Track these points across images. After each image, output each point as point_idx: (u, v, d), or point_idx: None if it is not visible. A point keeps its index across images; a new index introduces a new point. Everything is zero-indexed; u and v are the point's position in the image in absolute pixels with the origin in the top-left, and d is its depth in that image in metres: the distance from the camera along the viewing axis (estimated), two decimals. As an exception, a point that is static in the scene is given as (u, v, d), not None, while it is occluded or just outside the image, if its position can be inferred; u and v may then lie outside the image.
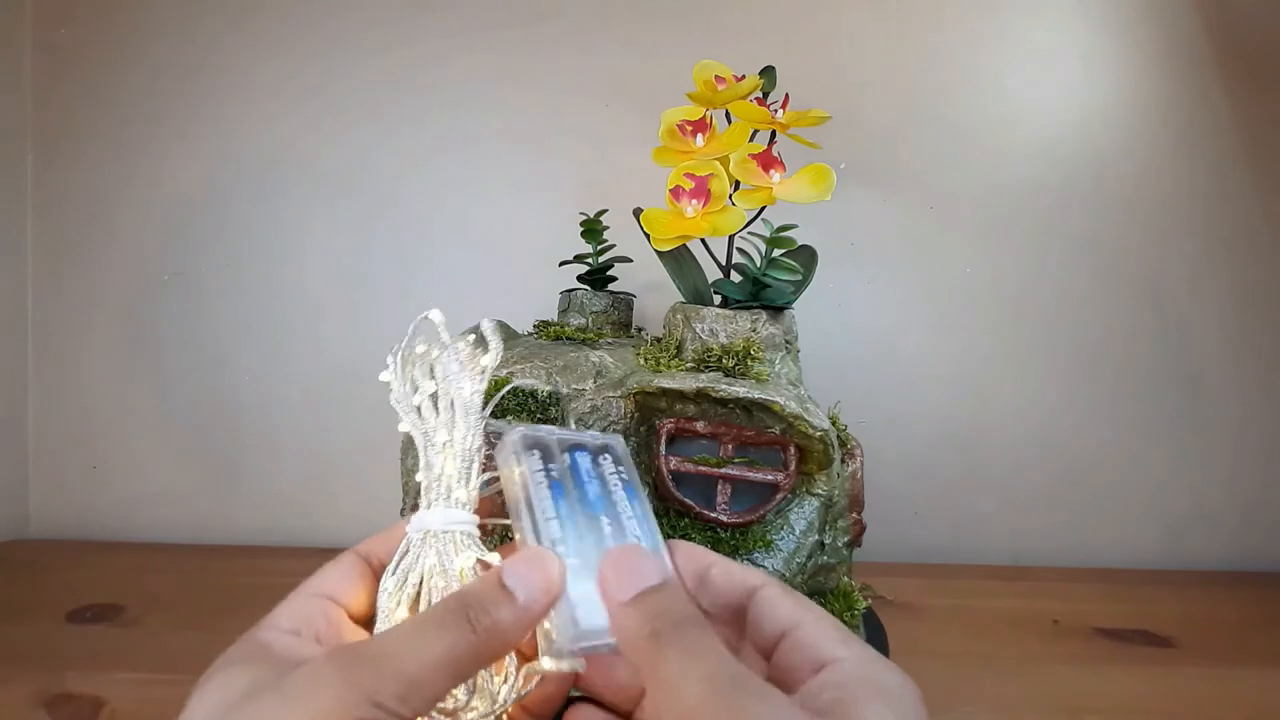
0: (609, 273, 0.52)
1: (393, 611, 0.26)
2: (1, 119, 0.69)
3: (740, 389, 0.38)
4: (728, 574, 0.26)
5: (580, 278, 0.52)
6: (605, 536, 0.27)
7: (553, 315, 0.52)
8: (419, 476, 0.29)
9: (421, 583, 0.26)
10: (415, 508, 0.41)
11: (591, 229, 0.50)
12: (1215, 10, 0.66)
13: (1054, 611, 0.57)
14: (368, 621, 0.27)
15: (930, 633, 0.53)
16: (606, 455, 0.30)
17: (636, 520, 0.27)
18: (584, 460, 0.29)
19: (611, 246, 0.51)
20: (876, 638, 0.48)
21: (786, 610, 0.24)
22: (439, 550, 0.27)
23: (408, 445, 0.44)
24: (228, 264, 0.71)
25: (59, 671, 0.45)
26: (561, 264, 0.52)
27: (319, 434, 0.71)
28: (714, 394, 0.39)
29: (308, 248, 0.70)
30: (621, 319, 0.51)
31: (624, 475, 0.29)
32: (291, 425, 0.71)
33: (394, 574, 0.27)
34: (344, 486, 0.71)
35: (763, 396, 0.38)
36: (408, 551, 0.27)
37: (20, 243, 0.71)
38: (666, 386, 0.39)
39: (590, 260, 0.51)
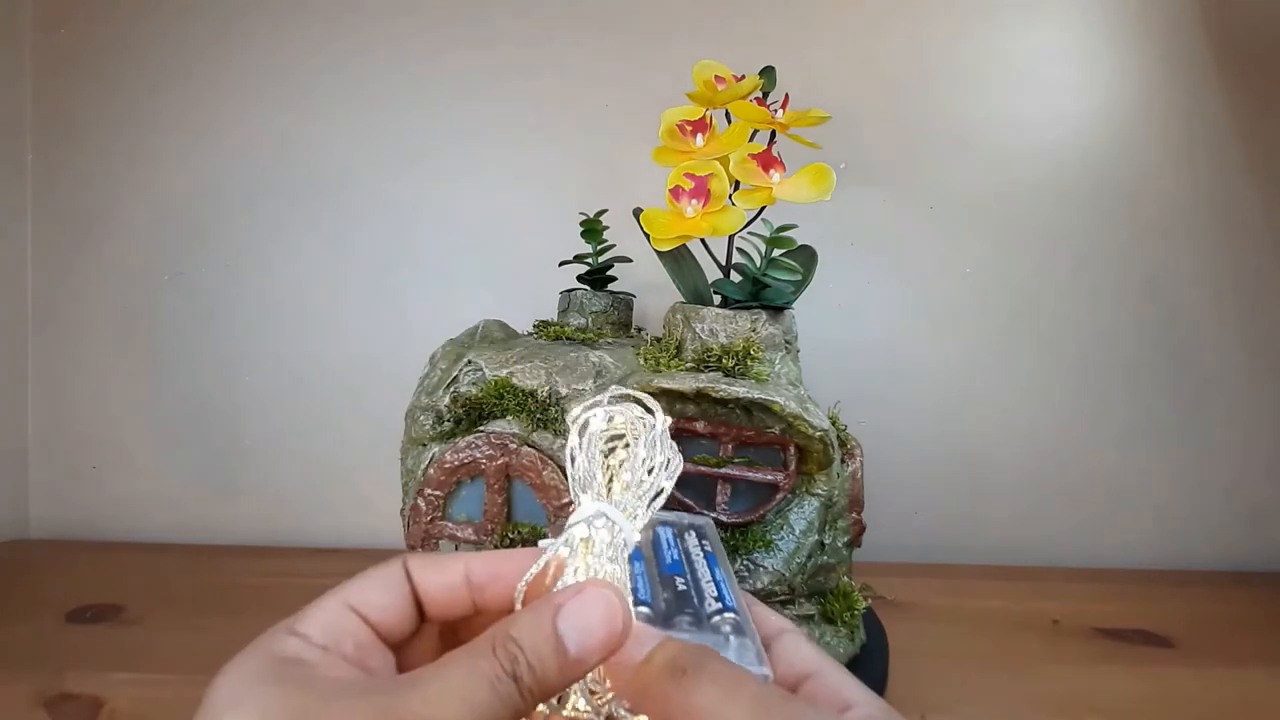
0: (609, 273, 0.52)
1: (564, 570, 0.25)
2: (1, 119, 0.69)
3: (740, 389, 0.38)
4: (763, 615, 0.27)
5: (580, 278, 0.52)
6: (679, 593, 0.27)
7: (552, 315, 0.52)
8: (627, 477, 0.29)
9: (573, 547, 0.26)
10: (415, 508, 0.42)
11: (591, 229, 0.50)
12: (1216, 12, 0.66)
13: (1054, 611, 0.57)
14: (398, 643, 0.25)
15: (930, 633, 0.53)
16: (691, 532, 0.31)
17: (716, 584, 0.28)
18: (666, 533, 0.30)
19: (611, 246, 0.51)
20: (876, 638, 0.48)
21: (811, 654, 0.25)
22: (606, 541, 0.26)
23: (407, 446, 0.44)
24: (227, 264, 0.71)
25: (59, 671, 0.45)
26: (561, 264, 0.52)
27: (319, 434, 0.71)
28: (714, 394, 0.39)
29: (308, 247, 0.70)
30: (621, 319, 0.51)
31: (706, 548, 0.30)
32: (291, 425, 0.71)
33: (575, 524, 0.26)
34: (343, 486, 0.71)
35: (762, 396, 0.38)
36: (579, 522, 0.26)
37: (20, 243, 0.71)
38: (666, 386, 0.39)
39: (590, 260, 0.51)
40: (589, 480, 0.29)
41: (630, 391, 0.31)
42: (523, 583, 0.24)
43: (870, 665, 0.45)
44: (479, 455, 0.41)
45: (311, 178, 0.70)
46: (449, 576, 0.25)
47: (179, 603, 0.56)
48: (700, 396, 0.39)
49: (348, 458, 0.70)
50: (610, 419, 0.30)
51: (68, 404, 0.72)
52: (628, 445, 0.30)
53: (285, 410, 0.71)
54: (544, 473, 0.40)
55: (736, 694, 0.20)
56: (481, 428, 0.42)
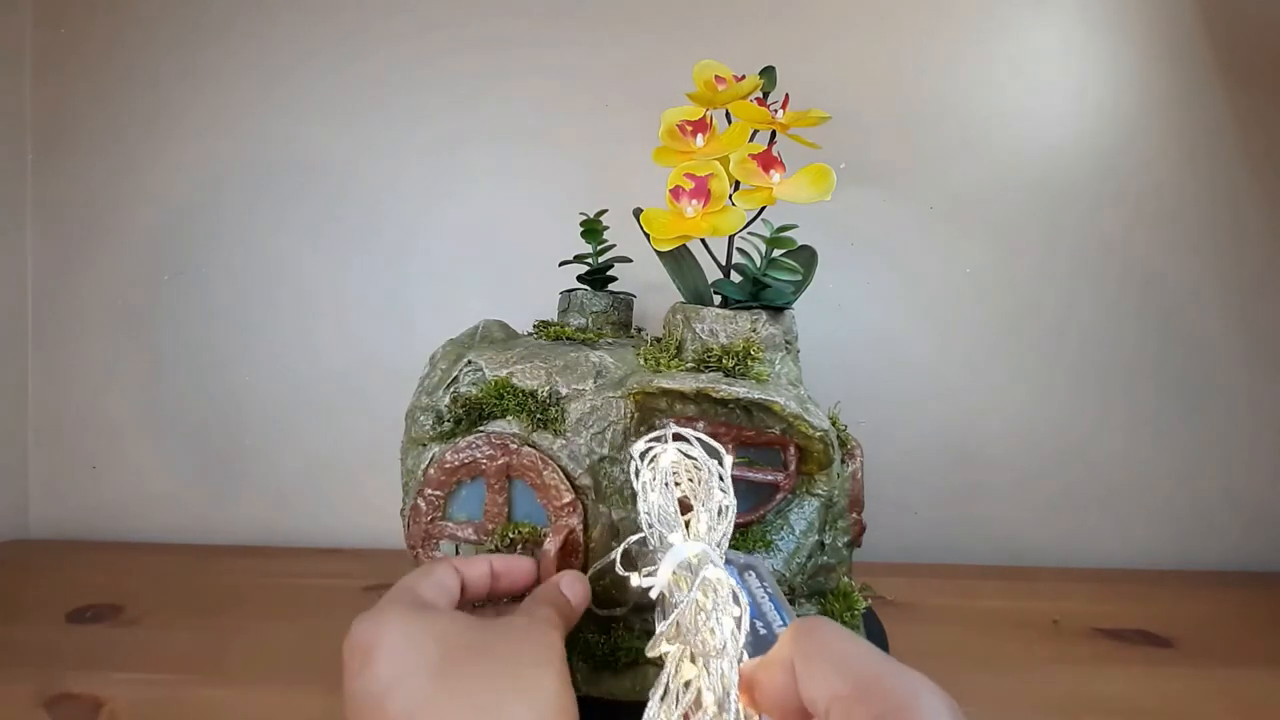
0: (609, 273, 0.52)
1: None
2: (1, 119, 0.69)
3: (740, 389, 0.38)
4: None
5: (580, 278, 0.52)
6: (760, 637, 0.29)
7: (552, 315, 0.52)
8: (706, 518, 0.32)
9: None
10: (415, 508, 0.42)
11: (591, 229, 0.50)
12: (1217, 11, 0.66)
13: (1054, 611, 0.57)
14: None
15: (930, 633, 0.53)
16: (751, 572, 0.33)
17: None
18: (731, 574, 0.31)
19: (612, 246, 0.51)
20: (876, 638, 0.48)
21: None
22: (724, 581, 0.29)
23: (407, 446, 0.44)
24: (227, 264, 0.71)
25: (59, 671, 0.45)
26: (562, 264, 0.52)
27: (318, 434, 0.71)
28: (714, 394, 0.38)
29: (307, 247, 0.70)
30: (621, 319, 0.51)
31: (769, 590, 0.32)
32: (291, 425, 0.71)
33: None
34: (343, 486, 0.71)
35: (763, 397, 0.38)
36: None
37: (20, 243, 0.71)
38: (666, 387, 0.39)
39: (590, 260, 0.51)
40: (669, 519, 0.30)
41: (685, 431, 0.33)
42: (667, 625, 0.28)
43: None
44: (479, 455, 0.41)
45: (313, 178, 0.70)
46: (480, 564, 0.36)
47: (179, 603, 0.56)
48: (701, 397, 0.39)
49: (348, 458, 0.71)
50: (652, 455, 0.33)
51: (68, 404, 0.72)
52: (678, 484, 0.32)
53: (285, 410, 0.71)
54: (544, 473, 0.40)
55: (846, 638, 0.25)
56: (481, 428, 0.42)
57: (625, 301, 0.51)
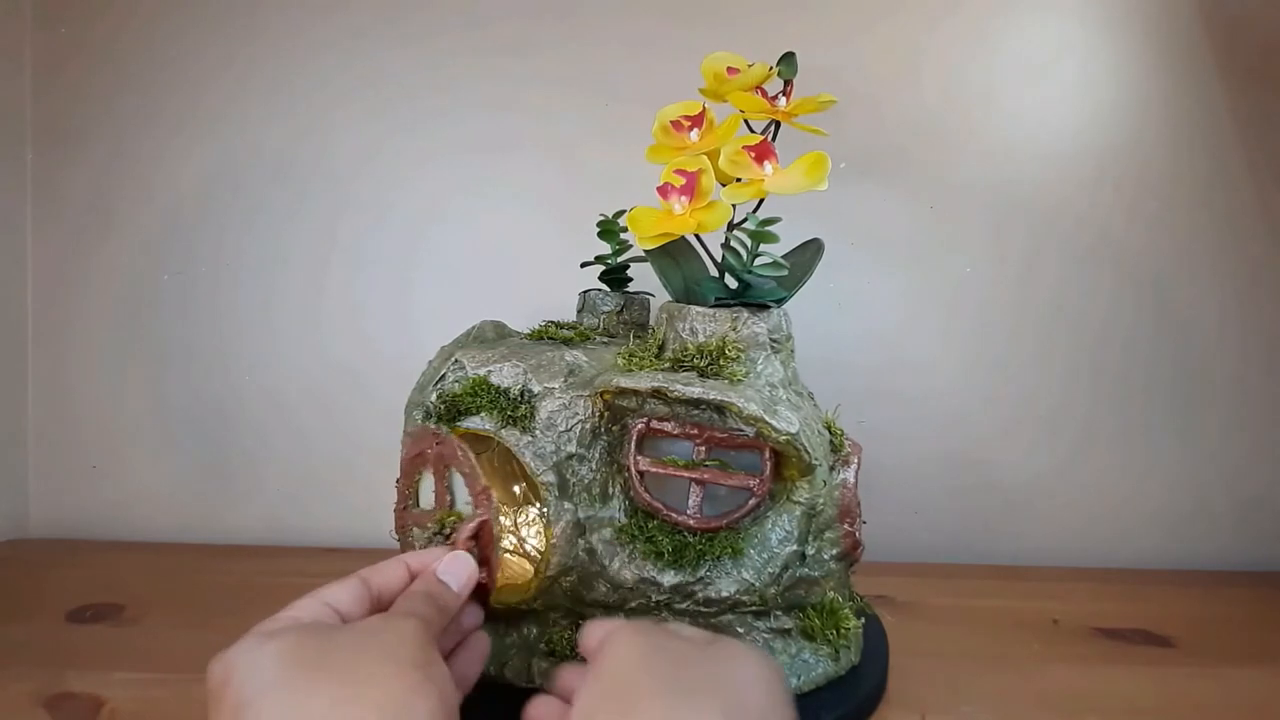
0: (626, 272, 0.52)
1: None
2: (1, 119, 0.69)
3: (695, 389, 0.37)
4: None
5: (600, 277, 0.52)
6: None
7: (559, 315, 0.52)
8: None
9: None
10: (404, 508, 0.42)
11: (608, 229, 0.50)
12: (1216, 9, 0.66)
13: (1054, 611, 0.57)
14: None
15: (930, 633, 0.53)
16: None
17: None
18: None
19: (630, 247, 0.51)
20: (877, 637, 0.48)
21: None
22: None
23: (403, 441, 0.45)
24: (227, 264, 0.71)
25: (59, 671, 0.45)
26: (583, 265, 0.52)
27: (319, 433, 0.71)
28: (669, 394, 0.38)
29: (307, 247, 0.70)
30: (635, 318, 0.51)
31: None
32: (291, 425, 0.71)
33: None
34: (344, 486, 0.71)
35: (719, 397, 0.37)
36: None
37: (20, 243, 0.71)
38: (625, 386, 0.39)
39: (609, 260, 0.51)
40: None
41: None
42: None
43: (870, 666, 0.45)
44: (424, 446, 0.42)
45: (311, 179, 0.70)
46: (392, 570, 0.36)
47: (179, 603, 0.56)
48: (666, 397, 0.38)
49: (349, 457, 0.70)
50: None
51: (68, 404, 0.72)
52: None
53: (286, 410, 0.71)
54: (464, 460, 0.40)
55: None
56: (458, 423, 0.42)
57: (640, 301, 0.51)
